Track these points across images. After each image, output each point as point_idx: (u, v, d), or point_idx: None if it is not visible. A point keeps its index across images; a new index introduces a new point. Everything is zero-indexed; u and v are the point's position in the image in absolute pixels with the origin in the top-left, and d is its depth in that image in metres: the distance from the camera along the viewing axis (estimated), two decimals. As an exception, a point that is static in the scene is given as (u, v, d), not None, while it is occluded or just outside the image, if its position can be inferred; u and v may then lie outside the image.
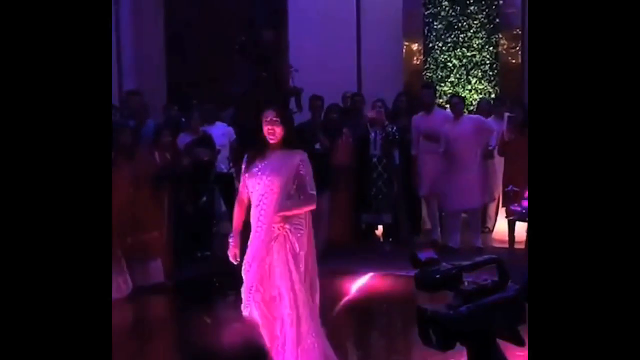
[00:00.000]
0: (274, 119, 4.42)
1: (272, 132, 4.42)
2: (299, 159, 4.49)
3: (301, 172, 4.46)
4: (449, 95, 9.68)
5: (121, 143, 7.02)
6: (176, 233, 7.48)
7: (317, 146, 8.37)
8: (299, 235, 4.48)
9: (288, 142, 4.49)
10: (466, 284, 1.80)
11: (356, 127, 8.78)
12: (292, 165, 4.46)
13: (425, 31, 10.24)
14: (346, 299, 6.86)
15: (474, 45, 9.95)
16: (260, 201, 4.47)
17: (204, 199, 7.86)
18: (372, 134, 8.48)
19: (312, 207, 4.55)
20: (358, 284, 7.31)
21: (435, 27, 10.17)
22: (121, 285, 6.82)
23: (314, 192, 4.52)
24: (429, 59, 10.22)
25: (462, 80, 9.93)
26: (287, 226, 4.44)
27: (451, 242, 8.34)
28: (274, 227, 4.44)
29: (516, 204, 7.83)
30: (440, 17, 10.13)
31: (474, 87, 9.88)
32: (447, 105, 9.41)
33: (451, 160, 8.23)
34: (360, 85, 10.39)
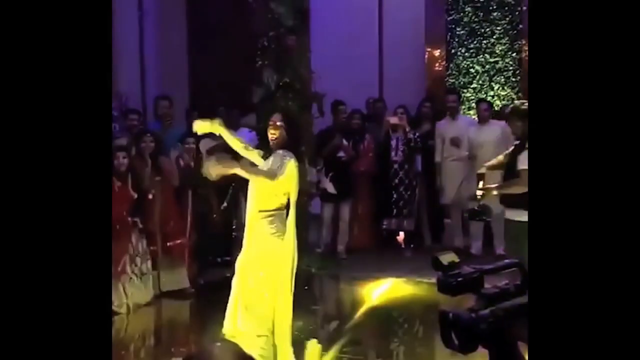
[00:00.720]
0: (278, 123, 4.45)
1: (274, 135, 4.47)
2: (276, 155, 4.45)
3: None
4: (472, 101, 9.65)
5: (142, 149, 7.08)
6: (198, 238, 7.52)
7: (341, 154, 8.40)
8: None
9: (288, 147, 4.49)
10: (488, 287, 1.80)
11: (377, 133, 8.80)
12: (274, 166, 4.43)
13: (448, 37, 10.22)
14: (367, 305, 6.85)
15: (497, 51, 9.91)
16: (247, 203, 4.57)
17: (225, 204, 7.90)
18: (394, 140, 8.49)
19: (266, 175, 4.39)
20: (379, 290, 7.30)
21: (457, 33, 10.14)
22: (144, 293, 6.87)
23: (267, 168, 4.40)
24: (451, 65, 10.19)
25: (485, 86, 9.88)
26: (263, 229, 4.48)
27: (473, 248, 8.32)
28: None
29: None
30: (462, 23, 10.10)
31: (496, 94, 9.84)
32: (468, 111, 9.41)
33: (476, 165, 8.16)
34: (381, 91, 10.40)
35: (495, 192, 5.51)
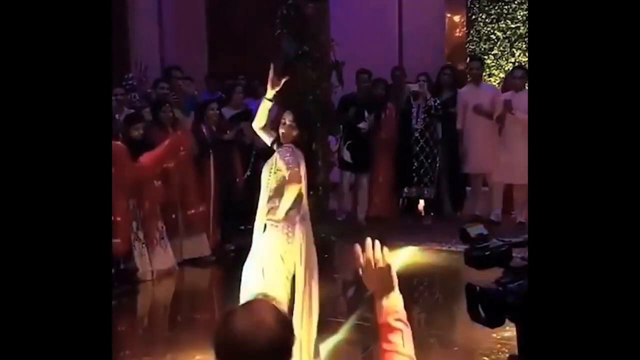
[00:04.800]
0: (288, 122, 4.44)
1: (285, 134, 4.45)
2: (281, 153, 4.45)
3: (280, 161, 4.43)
4: (492, 68, 9.55)
5: (162, 119, 7.12)
6: (221, 207, 7.57)
7: (361, 125, 8.36)
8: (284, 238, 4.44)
9: (299, 143, 4.50)
10: (516, 260, 1.79)
11: (398, 101, 8.76)
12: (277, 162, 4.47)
13: (468, 3, 10.09)
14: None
15: (518, 17, 9.77)
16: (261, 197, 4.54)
17: (248, 173, 7.93)
18: (415, 108, 8.45)
19: (296, 183, 4.41)
20: (399, 258, 7.32)
21: (478, -2, 10.01)
22: (166, 259, 6.94)
23: (293, 168, 4.41)
24: (471, 31, 10.07)
25: (506, 53, 9.77)
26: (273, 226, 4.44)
27: (493, 215, 8.30)
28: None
29: None
30: (483, -12, 9.97)
31: (517, 60, 9.72)
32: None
33: (507, 132, 8.07)
34: (401, 58, 10.31)
35: None
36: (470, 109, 8.38)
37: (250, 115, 8.24)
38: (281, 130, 4.47)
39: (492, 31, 9.97)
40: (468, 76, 9.06)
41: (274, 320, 1.96)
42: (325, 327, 4.87)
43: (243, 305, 2.10)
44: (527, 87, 7.95)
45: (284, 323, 2.00)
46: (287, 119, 4.45)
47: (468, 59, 9.78)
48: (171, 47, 11.23)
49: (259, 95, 8.65)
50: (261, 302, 2.11)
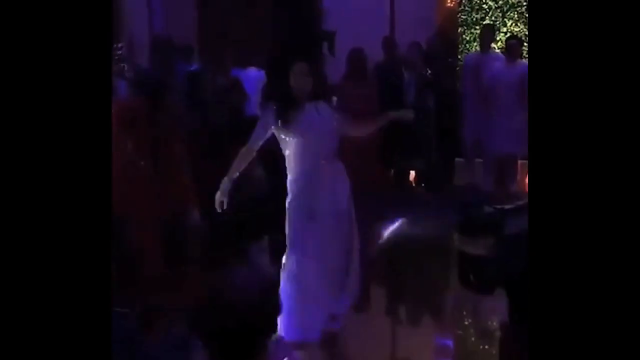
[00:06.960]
0: (305, 71, 4.34)
1: (303, 85, 4.33)
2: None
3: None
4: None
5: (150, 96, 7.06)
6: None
7: None
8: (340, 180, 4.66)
9: (316, 94, 4.43)
10: (509, 228, 1.79)
11: (389, 71, 8.71)
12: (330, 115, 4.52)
13: (460, -29, 10.01)
14: (379, 243, 6.89)
15: (511, -14, 9.71)
16: (313, 148, 4.45)
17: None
18: (406, 78, 8.40)
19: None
20: (390, 229, 7.33)
21: (470, -34, 9.92)
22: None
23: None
24: (463, 1, 10.00)
25: (498, 22, 9.70)
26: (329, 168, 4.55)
27: (485, 185, 8.31)
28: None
29: None
30: (475, -44, 9.88)
31: (509, 30, 9.67)
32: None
33: (500, 102, 8.08)
34: (393, 27, 10.23)
35: None
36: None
37: (239, 86, 8.19)
38: (296, 82, 4.34)
39: (484, 1, 9.89)
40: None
41: (255, 287, 1.96)
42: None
43: (226, 271, 2.11)
44: (521, 57, 8.13)
45: (267, 290, 2.00)
46: (304, 68, 4.37)
47: (459, 28, 9.72)
48: (160, 16, 11.10)
49: (246, 65, 8.63)
50: (244, 269, 2.13)
